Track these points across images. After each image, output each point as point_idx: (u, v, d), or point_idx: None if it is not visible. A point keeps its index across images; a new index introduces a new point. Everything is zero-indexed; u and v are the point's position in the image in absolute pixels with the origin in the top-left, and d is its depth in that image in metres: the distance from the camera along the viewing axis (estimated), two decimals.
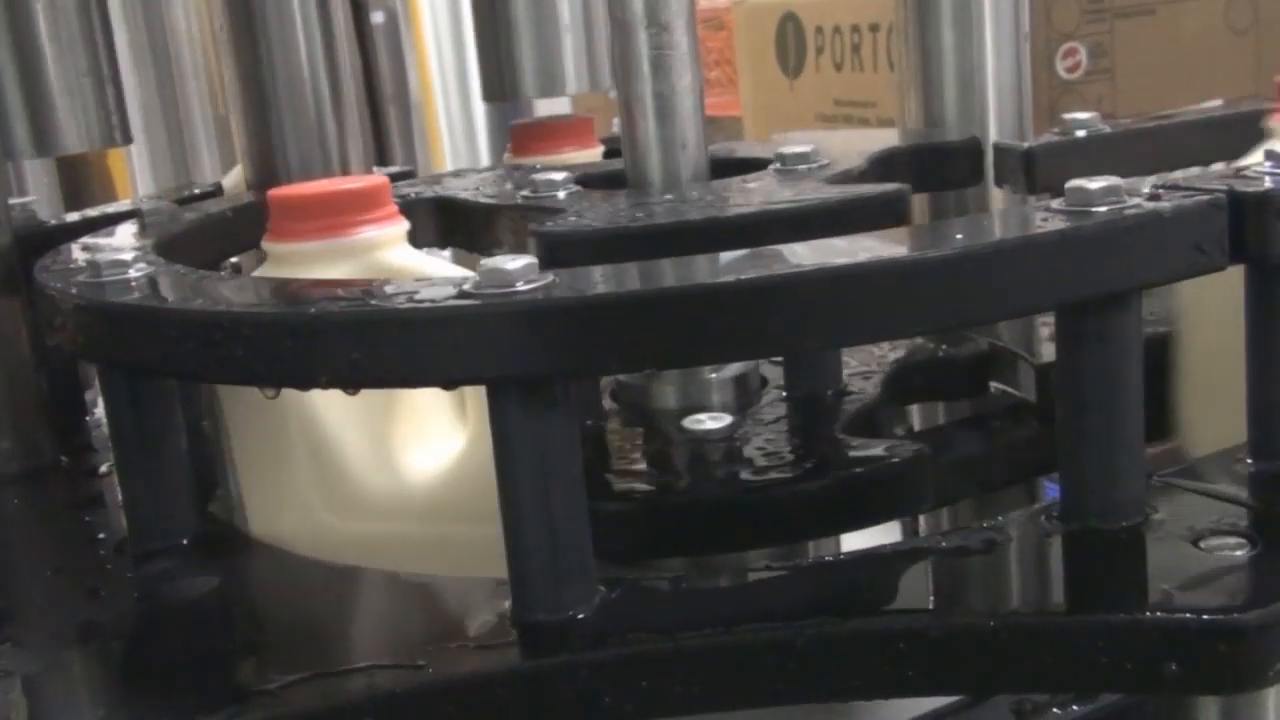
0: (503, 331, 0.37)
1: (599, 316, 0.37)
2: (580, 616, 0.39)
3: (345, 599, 0.45)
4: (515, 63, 0.74)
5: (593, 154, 0.74)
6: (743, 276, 0.37)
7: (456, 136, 1.64)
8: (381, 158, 1.56)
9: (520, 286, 0.38)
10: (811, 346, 0.40)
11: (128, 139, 0.65)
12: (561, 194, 0.57)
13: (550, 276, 0.38)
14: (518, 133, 0.75)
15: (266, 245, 0.51)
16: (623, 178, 0.61)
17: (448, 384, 0.40)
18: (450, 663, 0.38)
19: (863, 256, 0.38)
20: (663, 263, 0.40)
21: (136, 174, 1.40)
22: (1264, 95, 0.79)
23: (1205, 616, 0.36)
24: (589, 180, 0.60)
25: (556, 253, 0.47)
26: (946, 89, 0.71)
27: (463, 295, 0.38)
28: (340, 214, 0.50)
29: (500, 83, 0.76)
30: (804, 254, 0.40)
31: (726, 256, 0.40)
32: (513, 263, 0.38)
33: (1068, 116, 0.64)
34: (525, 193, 0.58)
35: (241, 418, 0.50)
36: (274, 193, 0.51)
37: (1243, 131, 0.64)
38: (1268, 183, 0.42)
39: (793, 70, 1.99)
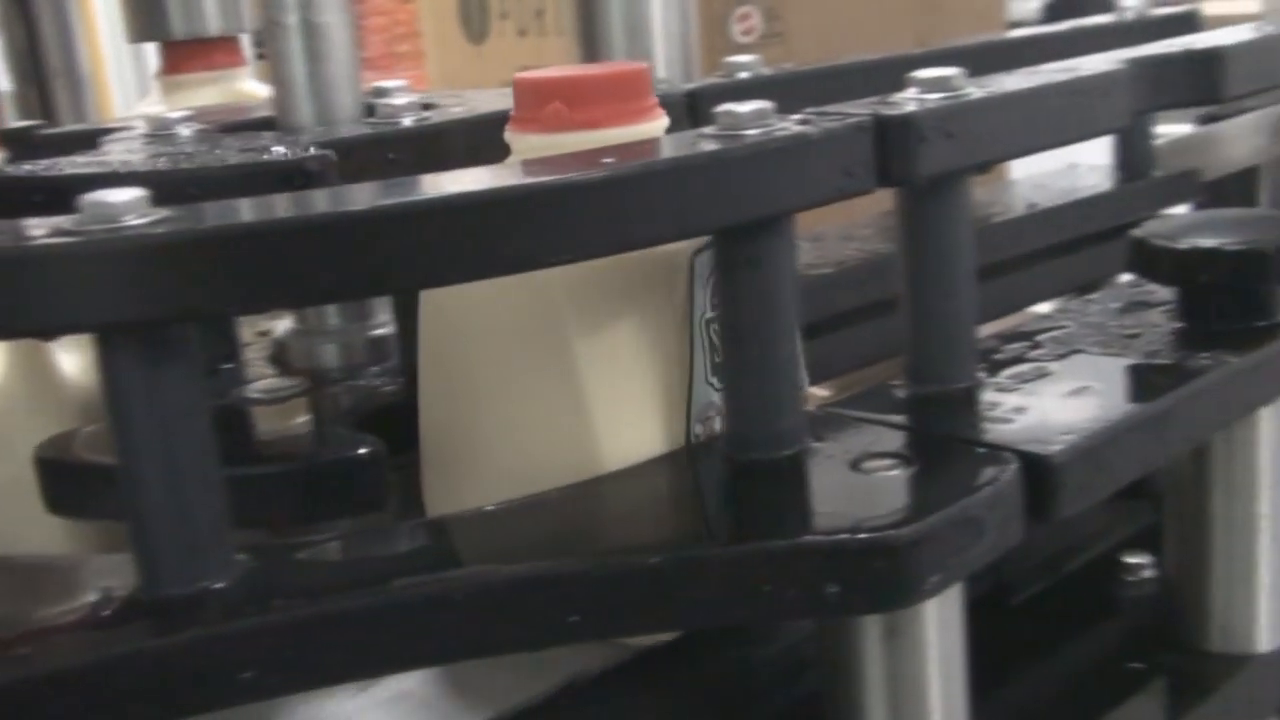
0: (111, 272, 0.33)
1: (220, 252, 0.34)
2: (216, 588, 0.36)
3: None
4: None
5: (243, 72, 0.74)
6: (357, 207, 0.34)
7: (132, 109, 1.56)
8: None
9: (129, 222, 0.34)
10: (446, 279, 0.37)
11: None
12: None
13: (163, 211, 0.35)
14: (170, 52, 0.78)
15: (508, 135, 0.44)
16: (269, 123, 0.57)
17: (48, 334, 0.35)
18: (64, 649, 0.34)
19: (508, 181, 0.36)
20: (283, 196, 0.37)
21: None
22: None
23: (862, 535, 0.36)
24: (238, 129, 0.57)
25: None
26: (614, 36, 0.70)
27: (60, 233, 0.33)
28: (592, 104, 0.43)
29: (147, 22, 0.77)
30: (434, 183, 0.37)
31: (347, 189, 0.37)
32: (119, 195, 0.34)
33: (730, 60, 0.65)
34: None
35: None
36: (521, 76, 0.44)
37: (898, 76, 0.66)
38: (911, 107, 0.42)
39: (477, 36, 1.96)
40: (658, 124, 0.44)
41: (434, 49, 2.09)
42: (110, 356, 0.35)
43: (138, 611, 0.36)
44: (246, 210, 0.36)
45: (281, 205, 0.37)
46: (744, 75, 0.63)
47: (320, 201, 0.37)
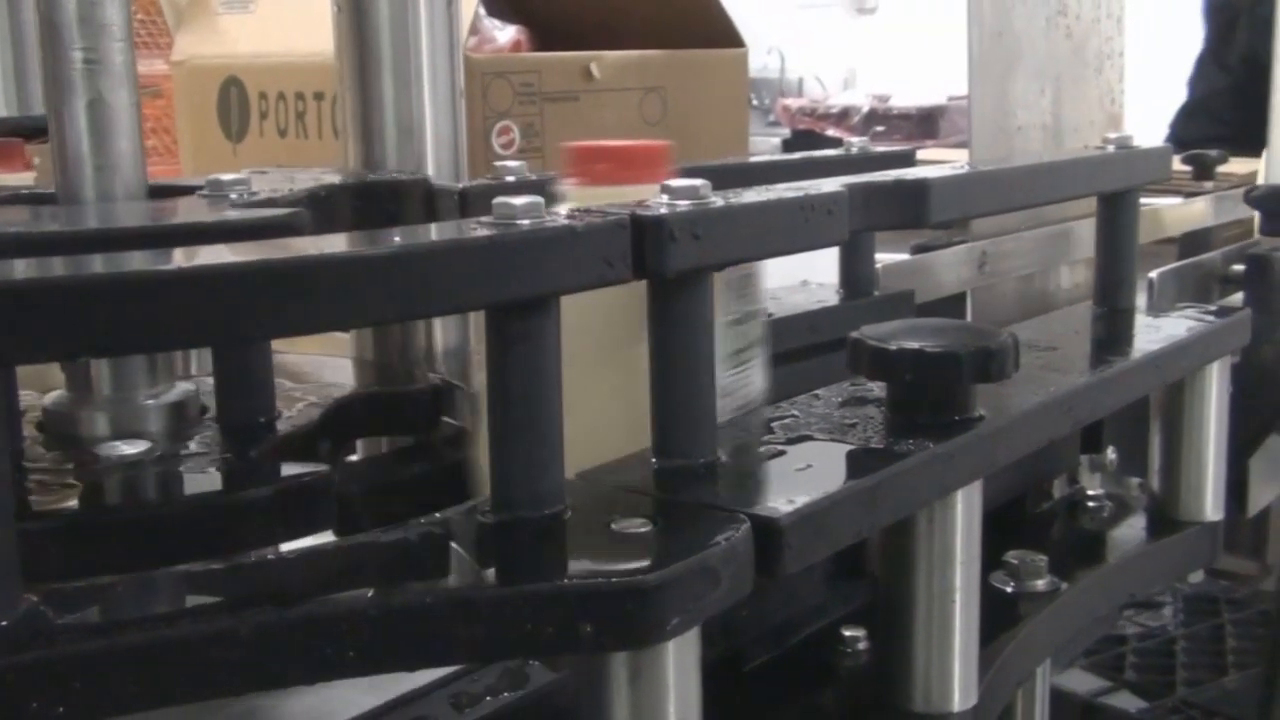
0: None
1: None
2: (3, 624, 0.38)
3: None
4: None
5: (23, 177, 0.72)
6: (145, 268, 0.37)
7: None
8: None
9: None
10: (231, 340, 0.40)
11: None
12: None
13: None
14: None
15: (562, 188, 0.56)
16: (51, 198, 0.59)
17: None
18: None
19: (301, 252, 0.40)
20: (72, 258, 0.39)
21: None
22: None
23: (614, 580, 0.40)
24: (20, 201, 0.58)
25: None
26: (388, 138, 0.75)
27: None
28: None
29: None
30: (231, 251, 0.41)
31: (144, 254, 0.40)
32: None
33: (499, 164, 0.70)
34: None
35: None
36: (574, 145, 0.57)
37: None
38: (663, 210, 0.48)
39: (236, 135, 1.96)
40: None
41: (189, 144, 2.07)
42: None
43: None
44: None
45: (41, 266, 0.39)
46: (511, 178, 0.68)
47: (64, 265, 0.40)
